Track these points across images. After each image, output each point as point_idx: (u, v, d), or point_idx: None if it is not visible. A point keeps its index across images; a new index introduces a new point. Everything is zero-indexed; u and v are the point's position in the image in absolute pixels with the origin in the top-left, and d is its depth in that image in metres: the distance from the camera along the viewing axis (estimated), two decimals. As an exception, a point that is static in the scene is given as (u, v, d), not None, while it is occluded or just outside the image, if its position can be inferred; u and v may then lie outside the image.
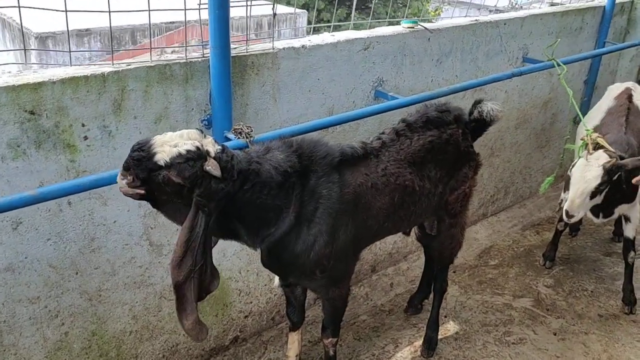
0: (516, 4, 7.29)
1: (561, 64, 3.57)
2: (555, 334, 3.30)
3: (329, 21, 16.41)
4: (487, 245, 4.18)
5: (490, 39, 3.64)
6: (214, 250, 2.76)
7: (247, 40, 2.50)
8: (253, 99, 2.59)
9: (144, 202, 2.38)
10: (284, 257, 2.23)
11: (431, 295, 3.23)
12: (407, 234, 3.14)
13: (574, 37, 4.32)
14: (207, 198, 1.84)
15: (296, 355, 2.87)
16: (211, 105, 2.41)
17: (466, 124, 2.66)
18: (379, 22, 3.41)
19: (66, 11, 2.00)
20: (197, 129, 1.87)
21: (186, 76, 2.33)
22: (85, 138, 2.15)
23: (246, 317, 3.06)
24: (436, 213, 2.77)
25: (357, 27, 3.29)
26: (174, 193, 1.83)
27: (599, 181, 2.91)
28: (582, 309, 3.52)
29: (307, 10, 16.60)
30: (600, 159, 2.95)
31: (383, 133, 2.49)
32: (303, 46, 2.69)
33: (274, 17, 2.53)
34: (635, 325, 3.39)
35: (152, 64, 2.23)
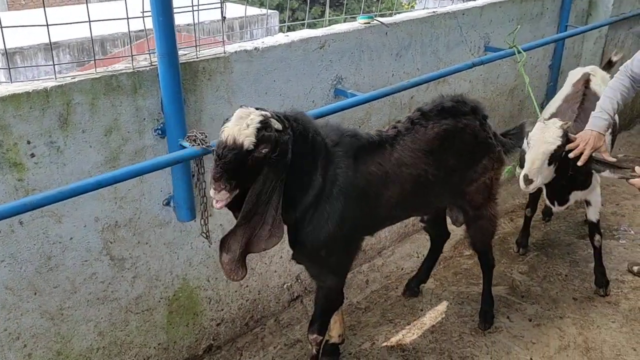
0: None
1: (522, 51, 3.57)
2: (530, 320, 3.31)
3: (303, 20, 16.37)
4: (461, 236, 4.16)
5: (450, 30, 3.63)
6: (181, 259, 2.74)
7: (196, 45, 2.47)
8: (207, 105, 2.55)
9: (101, 217, 2.35)
10: (303, 229, 2.31)
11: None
12: (423, 221, 3.31)
13: (535, 22, 4.34)
14: (280, 156, 2.01)
15: (339, 335, 2.95)
16: (163, 114, 2.38)
17: (484, 115, 2.73)
18: (353, 17, 3.38)
19: (1, 27, 1.95)
20: (241, 105, 2.04)
21: (134, 86, 2.29)
22: (33, 155, 2.11)
23: (218, 324, 3.03)
24: (456, 204, 2.87)
25: (331, 24, 3.27)
26: (257, 172, 2.01)
27: (558, 143, 2.82)
28: (557, 294, 3.52)
29: (281, 10, 16.54)
30: (557, 122, 2.92)
31: (399, 122, 2.56)
32: (256, 48, 2.66)
33: (224, 20, 2.49)
34: (610, 306, 3.40)
35: (97, 76, 2.19)
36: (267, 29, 12.23)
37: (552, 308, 3.40)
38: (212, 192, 1.96)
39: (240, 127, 1.93)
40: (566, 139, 2.81)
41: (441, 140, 2.54)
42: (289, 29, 3.18)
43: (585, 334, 3.18)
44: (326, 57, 2.98)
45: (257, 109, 2.03)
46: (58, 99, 2.10)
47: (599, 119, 2.82)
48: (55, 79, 2.12)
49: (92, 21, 2.10)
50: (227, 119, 2.00)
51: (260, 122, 1.95)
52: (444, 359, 3.05)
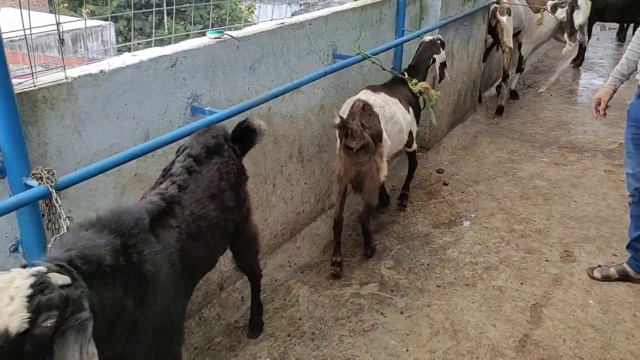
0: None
1: (369, 56, 3.79)
2: (402, 313, 3.48)
3: (141, 29, 15.67)
4: (329, 239, 4.27)
5: (299, 40, 3.69)
6: None
7: (32, 73, 2.23)
8: (52, 136, 2.32)
9: None
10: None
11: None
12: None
13: (375, 28, 4.56)
14: (74, 313, 1.50)
15: None
16: (2, 152, 2.12)
17: (233, 140, 2.71)
18: (204, 30, 3.27)
19: None
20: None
21: (-38, 124, 2.01)
22: None
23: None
24: (237, 234, 2.77)
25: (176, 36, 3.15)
26: (47, 350, 1.45)
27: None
28: (422, 283, 3.75)
29: (115, 20, 15.68)
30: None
31: (172, 175, 2.37)
32: (101, 71, 2.47)
33: (62, 43, 2.29)
34: (468, 288, 3.69)
35: None
36: (105, 43, 11.57)
37: (420, 298, 3.60)
38: None
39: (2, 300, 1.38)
40: None
41: (219, 181, 2.47)
42: (139, 45, 3.00)
43: (452, 318, 3.42)
44: (179, 75, 2.87)
45: (30, 266, 1.53)
46: None
47: (610, 77, 3.52)
48: None
49: None
50: None
51: (32, 286, 1.41)
52: (327, 364, 3.10)
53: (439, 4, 5.09)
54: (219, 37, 3.10)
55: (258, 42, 3.34)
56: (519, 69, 7.32)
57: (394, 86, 4.29)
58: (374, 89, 4.05)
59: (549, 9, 6.87)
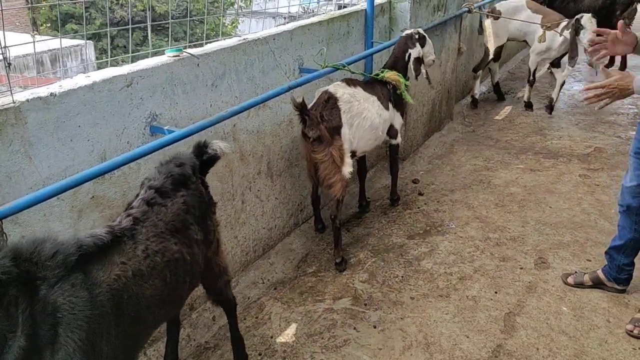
0: (308, 8, 7.56)
1: (340, 66, 3.81)
2: (375, 327, 3.43)
3: (124, 47, 15.64)
4: (303, 254, 4.24)
5: (263, 55, 3.67)
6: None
7: (-23, 98, 2.20)
8: (0, 162, 2.28)
9: None
10: None
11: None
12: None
13: (343, 41, 4.56)
14: None
15: None
16: (-56, 180, 2.08)
17: (200, 169, 2.61)
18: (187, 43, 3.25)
19: None
20: None
21: None
22: None
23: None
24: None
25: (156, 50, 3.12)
26: None
27: None
28: (396, 296, 3.71)
29: (98, 39, 15.65)
30: None
31: (132, 208, 2.27)
32: (52, 94, 2.43)
33: (9, 66, 2.25)
34: (442, 299, 3.66)
35: None
36: (84, 62, 11.52)
37: (393, 311, 3.56)
38: None
39: None
40: None
41: (184, 214, 2.36)
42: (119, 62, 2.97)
43: (425, 331, 3.38)
44: (136, 95, 2.83)
45: None
46: None
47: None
48: None
49: None
50: None
51: None
52: (298, 383, 3.05)
53: (407, 15, 5.11)
54: (178, 55, 3.08)
55: (219, 59, 3.32)
56: (529, 81, 7.16)
57: (375, 84, 4.32)
58: (352, 82, 4.10)
59: (559, 30, 6.50)
